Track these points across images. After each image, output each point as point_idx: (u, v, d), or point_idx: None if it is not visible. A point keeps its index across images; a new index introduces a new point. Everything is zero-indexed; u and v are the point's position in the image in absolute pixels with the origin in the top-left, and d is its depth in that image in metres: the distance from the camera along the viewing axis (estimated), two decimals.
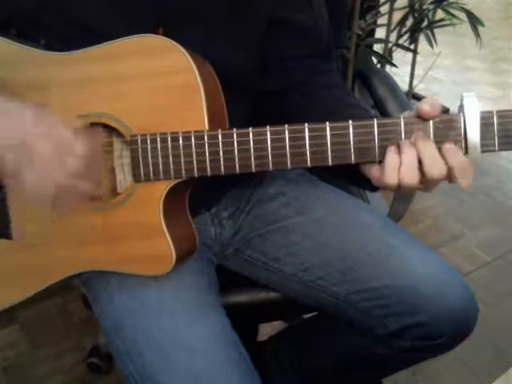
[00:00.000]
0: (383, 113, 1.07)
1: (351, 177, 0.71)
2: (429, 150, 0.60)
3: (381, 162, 0.63)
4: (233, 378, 0.68)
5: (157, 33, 0.70)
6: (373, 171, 0.65)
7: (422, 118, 0.61)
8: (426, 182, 0.61)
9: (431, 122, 0.61)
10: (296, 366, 1.03)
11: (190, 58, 0.64)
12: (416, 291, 0.76)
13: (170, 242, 0.68)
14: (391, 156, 0.62)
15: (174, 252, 0.68)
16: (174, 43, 0.65)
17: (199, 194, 0.75)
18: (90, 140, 0.63)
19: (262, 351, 1.08)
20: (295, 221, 0.86)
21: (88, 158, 0.63)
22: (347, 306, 0.81)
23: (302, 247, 0.84)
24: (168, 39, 0.65)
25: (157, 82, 0.65)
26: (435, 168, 0.60)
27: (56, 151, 0.61)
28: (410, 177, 0.60)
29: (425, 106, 0.60)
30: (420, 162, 0.60)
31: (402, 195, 1.02)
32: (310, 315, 0.98)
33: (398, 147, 0.62)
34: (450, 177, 0.61)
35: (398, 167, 0.61)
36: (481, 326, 0.82)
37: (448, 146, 0.60)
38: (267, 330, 1.22)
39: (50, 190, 0.62)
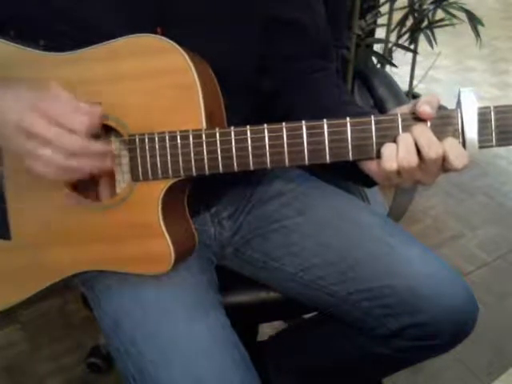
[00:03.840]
0: (383, 113, 1.07)
1: (348, 173, 0.71)
2: (424, 132, 0.60)
3: (378, 158, 0.63)
4: (232, 377, 0.68)
5: (155, 32, 0.70)
6: (372, 165, 0.65)
7: (421, 118, 0.61)
8: (425, 167, 0.61)
9: None
10: (296, 366, 1.03)
11: (187, 58, 0.64)
12: (416, 291, 0.76)
13: (169, 242, 0.68)
14: (388, 144, 0.62)
15: (172, 251, 0.68)
16: (172, 43, 0.65)
17: (199, 194, 0.75)
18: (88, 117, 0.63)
19: (262, 351, 1.08)
20: (295, 221, 0.86)
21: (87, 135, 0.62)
22: (347, 306, 0.81)
23: (302, 247, 0.84)
24: (166, 39, 0.65)
25: (155, 82, 0.66)
26: (432, 150, 0.60)
27: (53, 131, 0.61)
28: (409, 161, 0.60)
29: (426, 108, 0.60)
30: (417, 147, 0.60)
31: (401, 195, 1.01)
32: (310, 315, 0.98)
33: (395, 140, 0.62)
34: (444, 160, 0.61)
35: (396, 152, 0.61)
36: (481, 326, 0.82)
37: None
38: (267, 330, 1.22)
39: (52, 172, 0.62)
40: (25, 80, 0.67)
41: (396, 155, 0.61)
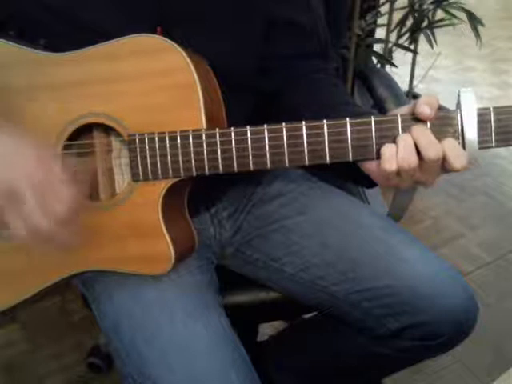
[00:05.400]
0: (383, 113, 1.07)
1: (348, 173, 0.71)
2: (424, 133, 0.60)
3: (378, 158, 0.63)
4: (232, 378, 0.68)
5: (156, 32, 0.70)
6: (372, 166, 0.65)
7: (420, 119, 0.61)
8: (425, 167, 0.61)
9: None
10: (296, 366, 1.03)
11: (187, 58, 0.64)
12: (416, 291, 0.76)
13: (169, 242, 0.68)
14: (388, 144, 0.62)
15: (172, 252, 0.68)
16: (171, 43, 0.65)
17: (199, 194, 0.75)
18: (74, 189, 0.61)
19: (262, 351, 1.08)
20: (295, 221, 0.86)
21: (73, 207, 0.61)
22: (347, 306, 0.81)
23: (302, 247, 0.84)
24: (165, 39, 0.65)
25: (154, 82, 0.65)
26: (432, 150, 0.60)
27: (42, 197, 0.59)
28: (408, 161, 0.60)
29: (425, 109, 0.60)
30: (417, 147, 0.60)
31: (401, 195, 1.01)
32: (310, 315, 0.98)
33: (395, 141, 0.62)
34: (443, 161, 0.61)
35: (396, 153, 0.61)
36: (481, 326, 0.82)
37: None
38: (267, 330, 1.22)
39: (33, 235, 0.60)
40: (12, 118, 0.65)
41: (396, 156, 0.61)
